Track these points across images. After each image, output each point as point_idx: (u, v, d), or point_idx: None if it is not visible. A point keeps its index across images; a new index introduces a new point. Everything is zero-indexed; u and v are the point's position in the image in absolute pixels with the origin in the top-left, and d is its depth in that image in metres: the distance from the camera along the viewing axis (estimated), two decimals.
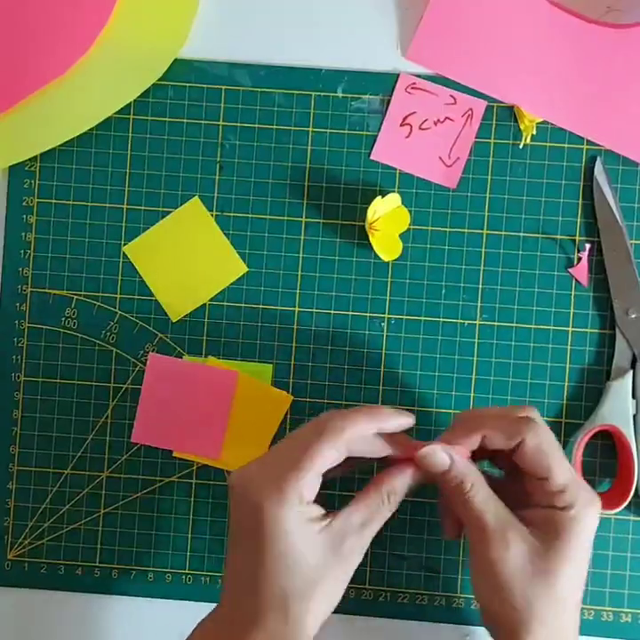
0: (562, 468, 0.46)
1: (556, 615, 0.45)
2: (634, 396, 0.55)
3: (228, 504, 0.47)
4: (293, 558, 0.44)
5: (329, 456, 0.45)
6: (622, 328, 0.55)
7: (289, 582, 0.44)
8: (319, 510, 0.46)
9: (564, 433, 0.56)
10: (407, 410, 0.56)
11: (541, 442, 0.46)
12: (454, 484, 0.47)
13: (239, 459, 0.56)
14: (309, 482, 0.45)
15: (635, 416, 0.55)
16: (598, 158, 0.56)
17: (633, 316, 0.55)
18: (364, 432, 0.47)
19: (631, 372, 0.55)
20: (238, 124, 0.58)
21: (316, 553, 0.44)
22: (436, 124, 0.57)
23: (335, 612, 0.56)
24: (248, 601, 0.45)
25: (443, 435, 0.49)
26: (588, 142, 0.57)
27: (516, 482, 0.48)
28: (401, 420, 0.48)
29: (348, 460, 0.47)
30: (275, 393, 0.57)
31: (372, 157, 0.57)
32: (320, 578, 0.44)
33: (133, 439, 0.57)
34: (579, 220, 0.57)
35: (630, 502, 0.54)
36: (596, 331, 0.56)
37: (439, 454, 0.46)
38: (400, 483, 0.48)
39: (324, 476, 0.46)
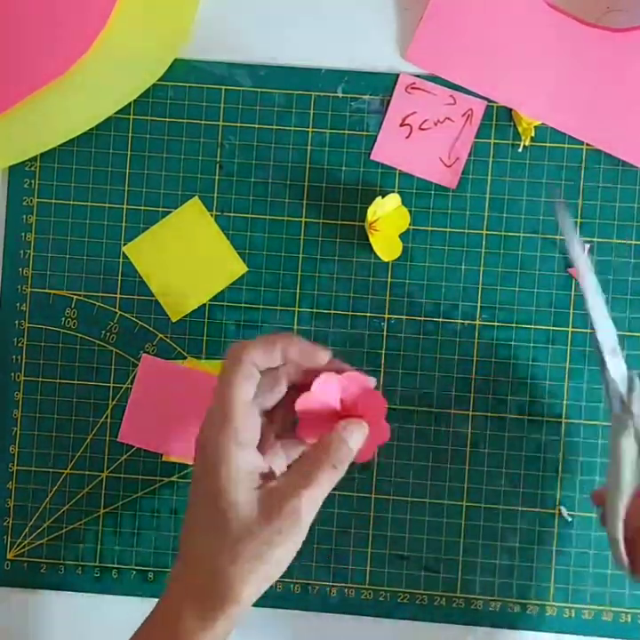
0: None
1: None
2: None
3: None
4: (227, 509, 0.42)
5: (244, 380, 0.44)
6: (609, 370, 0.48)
7: (219, 537, 0.42)
8: (260, 461, 0.44)
9: (565, 433, 0.56)
10: (405, 410, 0.57)
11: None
12: None
13: None
14: (242, 419, 0.43)
15: None
16: (558, 203, 0.50)
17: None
18: (265, 358, 0.45)
19: (630, 421, 0.47)
20: (238, 125, 0.58)
21: (249, 508, 0.42)
22: (435, 124, 0.57)
23: (335, 611, 0.56)
24: (187, 557, 0.44)
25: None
26: (588, 143, 0.57)
27: None
28: (306, 348, 0.46)
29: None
30: None
31: (372, 158, 0.57)
32: (248, 536, 0.42)
33: (120, 438, 0.57)
34: (578, 220, 0.57)
35: None
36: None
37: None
38: (345, 436, 0.45)
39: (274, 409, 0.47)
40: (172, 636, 0.43)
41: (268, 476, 0.44)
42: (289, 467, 0.47)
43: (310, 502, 0.43)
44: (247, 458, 0.43)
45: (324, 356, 0.46)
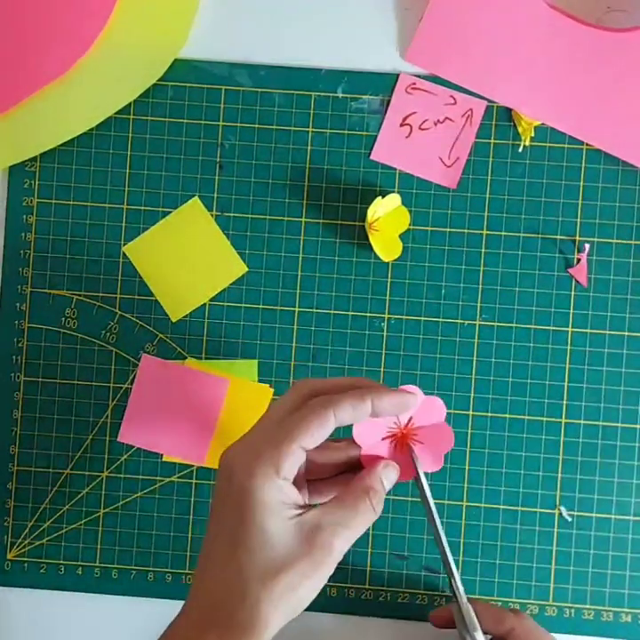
0: None
1: None
2: None
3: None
4: (260, 537, 0.41)
5: (312, 431, 0.42)
6: None
7: (251, 563, 0.41)
8: (296, 494, 0.43)
9: (565, 433, 0.56)
10: None
11: (531, 628, 0.48)
12: None
13: None
14: (288, 457, 0.42)
15: None
16: None
17: None
18: (350, 420, 0.44)
19: None
20: (238, 125, 0.58)
21: (285, 538, 0.41)
22: (435, 124, 0.57)
23: (335, 611, 0.56)
24: (211, 580, 0.42)
25: None
26: (588, 143, 0.57)
27: None
28: (397, 400, 0.44)
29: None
30: (257, 388, 0.57)
31: (372, 157, 0.57)
32: (284, 566, 0.41)
33: (120, 439, 0.57)
34: (578, 220, 0.57)
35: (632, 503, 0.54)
36: (596, 331, 0.57)
37: None
38: (384, 481, 0.45)
39: (314, 460, 0.46)
40: None
41: (303, 508, 0.43)
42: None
43: (346, 542, 0.43)
44: (284, 488, 0.42)
45: (413, 401, 0.45)
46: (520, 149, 0.57)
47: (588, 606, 0.56)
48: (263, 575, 0.41)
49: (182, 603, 0.57)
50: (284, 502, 0.42)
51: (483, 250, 0.57)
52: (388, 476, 0.45)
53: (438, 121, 0.57)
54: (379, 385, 0.46)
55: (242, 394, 0.57)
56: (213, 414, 0.57)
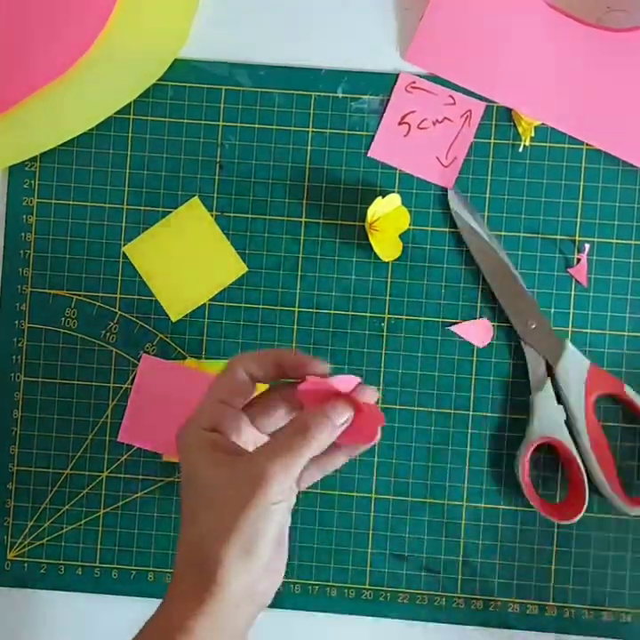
0: None
1: None
2: (559, 402, 0.55)
3: None
4: (199, 488, 0.42)
5: (223, 384, 0.45)
6: (528, 340, 0.56)
7: (198, 510, 0.41)
8: (228, 441, 0.44)
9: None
10: (406, 410, 0.57)
11: None
12: None
13: None
14: (208, 409, 0.44)
15: (566, 421, 0.55)
16: (450, 190, 0.56)
17: (533, 326, 0.55)
18: (254, 359, 0.46)
19: (549, 379, 0.55)
20: (238, 125, 0.58)
21: (219, 480, 0.41)
22: (434, 123, 0.57)
23: (335, 611, 0.56)
24: (181, 544, 0.43)
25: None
26: (588, 143, 0.57)
27: None
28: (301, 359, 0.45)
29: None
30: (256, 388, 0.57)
31: (369, 154, 0.57)
32: (222, 501, 0.41)
33: (120, 438, 0.57)
34: (578, 220, 0.57)
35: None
36: (596, 331, 0.57)
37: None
38: (329, 411, 0.44)
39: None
40: (166, 619, 0.42)
41: (237, 452, 0.43)
42: None
43: (280, 466, 0.41)
44: (210, 437, 0.43)
45: (322, 367, 0.45)
46: (520, 149, 0.57)
47: (588, 606, 0.56)
48: (205, 519, 0.41)
49: None
50: (213, 450, 0.43)
51: None
52: (336, 413, 0.43)
53: (437, 120, 0.57)
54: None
55: None
56: None
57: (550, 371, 0.55)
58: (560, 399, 0.55)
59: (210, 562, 0.40)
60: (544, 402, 0.55)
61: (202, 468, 0.42)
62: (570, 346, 0.55)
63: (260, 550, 0.40)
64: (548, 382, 0.55)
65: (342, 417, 0.44)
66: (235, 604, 0.41)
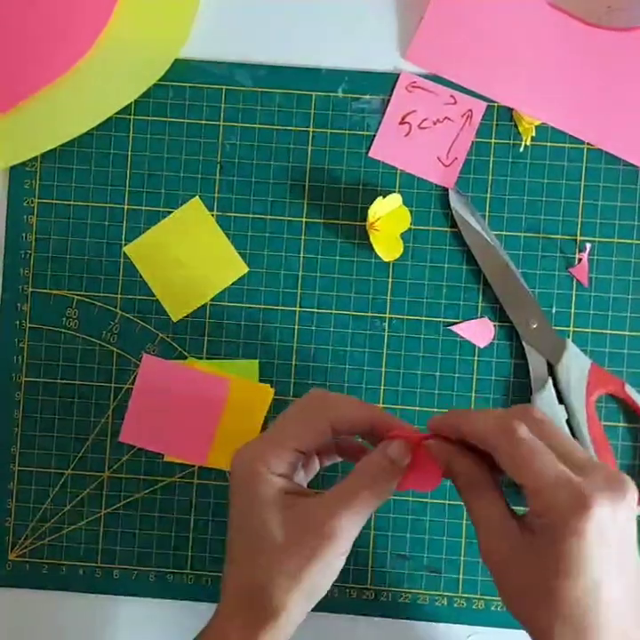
0: (536, 473, 0.40)
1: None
2: (560, 402, 0.55)
3: None
4: (260, 530, 0.42)
5: (303, 436, 0.44)
6: (529, 340, 0.56)
7: (259, 556, 0.42)
8: (292, 484, 0.44)
9: None
10: (407, 410, 0.57)
11: (514, 451, 0.41)
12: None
13: (228, 456, 0.56)
14: (280, 453, 0.44)
15: (567, 420, 0.55)
16: (450, 190, 0.56)
17: (534, 325, 0.56)
18: (348, 418, 0.45)
19: (550, 379, 0.55)
20: (239, 125, 0.58)
21: (282, 527, 0.42)
22: (435, 123, 0.57)
23: (337, 611, 0.56)
24: (232, 578, 0.44)
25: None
26: (589, 142, 0.57)
27: None
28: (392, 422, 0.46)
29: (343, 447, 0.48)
30: (258, 388, 0.57)
31: (370, 155, 0.57)
32: (284, 553, 0.42)
33: (121, 439, 0.57)
34: (579, 219, 0.57)
35: None
36: (597, 331, 0.57)
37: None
38: (390, 455, 0.44)
39: (320, 460, 0.48)
40: None
41: (301, 495, 0.44)
42: None
43: (347, 520, 0.42)
44: (278, 483, 0.43)
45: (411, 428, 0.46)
46: (521, 149, 0.57)
47: None
48: (267, 566, 0.42)
49: (184, 602, 0.57)
50: (279, 492, 0.43)
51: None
52: (392, 449, 0.44)
53: (438, 120, 0.57)
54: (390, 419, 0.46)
55: (243, 394, 0.57)
56: (215, 414, 0.57)
57: (551, 370, 0.55)
58: (561, 399, 0.55)
59: (271, 606, 0.42)
60: (545, 401, 0.55)
61: (266, 513, 0.43)
62: (571, 345, 0.55)
63: (320, 595, 0.43)
64: (550, 382, 0.55)
65: (404, 458, 0.44)
66: (290, 631, 0.43)
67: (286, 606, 0.42)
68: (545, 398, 0.55)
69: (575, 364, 0.55)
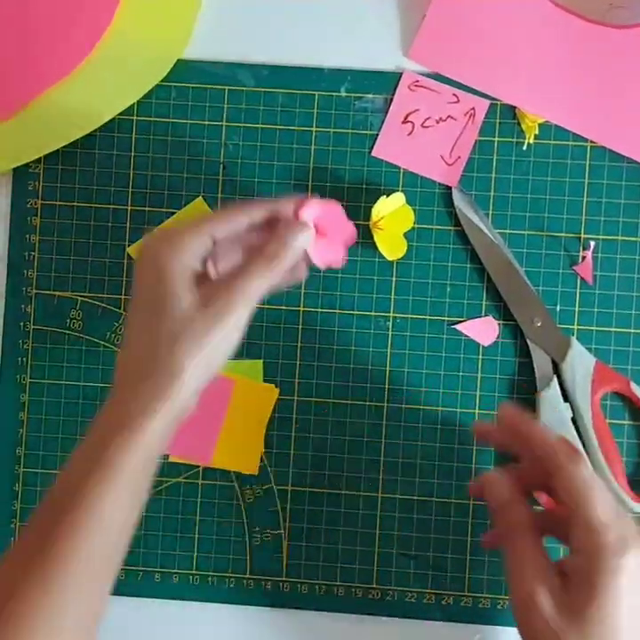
0: (599, 504, 0.42)
1: None
2: (565, 400, 0.55)
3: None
4: (169, 301, 0.45)
5: (220, 224, 0.47)
6: (533, 338, 0.56)
7: (163, 323, 0.44)
8: (199, 264, 0.46)
9: None
10: (412, 409, 0.57)
11: (578, 476, 0.43)
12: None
13: (232, 457, 0.57)
14: (194, 237, 0.46)
15: (573, 419, 0.55)
16: (454, 189, 0.56)
17: (538, 323, 0.55)
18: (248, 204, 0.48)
19: (555, 377, 0.55)
20: (241, 125, 0.58)
21: (191, 299, 0.45)
22: (438, 122, 0.57)
23: (342, 611, 0.56)
24: (131, 346, 0.46)
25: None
26: (592, 140, 0.57)
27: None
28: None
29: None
30: (262, 388, 0.57)
31: (373, 154, 0.57)
32: (191, 319, 0.44)
33: None
34: (583, 217, 0.57)
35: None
36: (602, 328, 0.56)
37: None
38: (287, 238, 0.48)
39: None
40: (117, 422, 0.43)
41: (207, 276, 0.47)
42: None
43: (243, 291, 0.45)
44: (186, 261, 0.46)
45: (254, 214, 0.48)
46: (524, 147, 0.57)
47: None
48: (171, 332, 0.44)
49: (189, 603, 0.57)
50: (189, 272, 0.46)
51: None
52: (291, 230, 0.48)
53: (440, 119, 0.57)
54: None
55: (247, 394, 0.57)
56: (219, 414, 0.57)
57: (556, 368, 0.55)
58: (566, 397, 0.55)
59: (171, 367, 0.43)
60: (550, 400, 0.55)
61: (177, 287, 0.45)
62: (575, 343, 0.55)
63: (220, 365, 0.46)
64: (555, 380, 0.55)
65: (301, 240, 0.48)
66: (186, 404, 0.45)
67: (186, 371, 0.43)
68: (550, 396, 0.55)
69: (580, 362, 0.55)
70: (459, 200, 0.56)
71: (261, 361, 0.57)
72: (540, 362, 0.55)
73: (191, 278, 0.46)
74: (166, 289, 0.45)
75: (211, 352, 0.44)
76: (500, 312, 0.57)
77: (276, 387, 0.57)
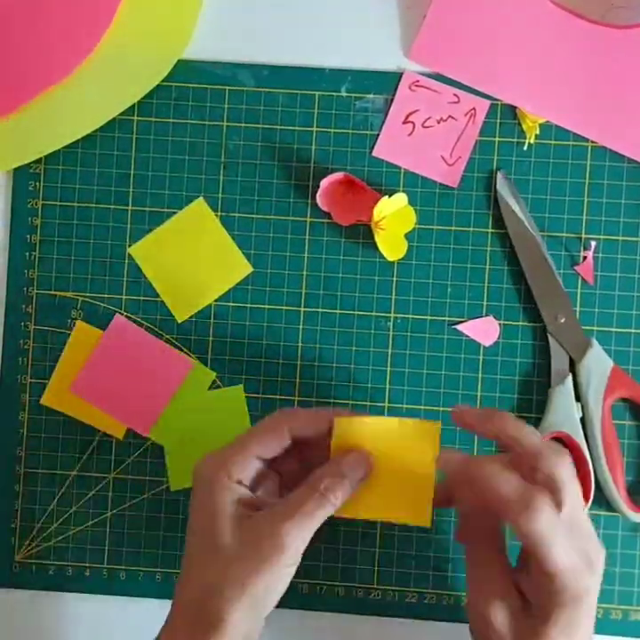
0: (556, 555, 0.41)
1: None
2: (577, 399, 0.55)
3: None
4: (215, 539, 0.43)
5: (264, 441, 0.46)
6: (554, 334, 0.56)
7: (211, 565, 0.43)
8: (250, 495, 0.45)
9: None
10: (413, 409, 0.57)
11: (538, 527, 0.41)
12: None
13: (168, 435, 0.57)
14: (241, 461, 0.45)
15: (581, 419, 0.55)
16: (499, 172, 0.56)
17: (562, 320, 0.55)
18: (305, 429, 0.47)
19: (570, 375, 0.55)
20: (242, 125, 0.58)
21: (237, 538, 0.43)
22: (438, 122, 0.57)
23: (343, 611, 0.56)
24: (187, 583, 0.45)
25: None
26: (593, 140, 0.57)
27: None
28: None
29: (302, 451, 0.48)
30: (228, 391, 0.57)
31: (374, 154, 0.57)
32: (236, 563, 0.43)
33: (71, 388, 0.56)
34: (584, 217, 0.57)
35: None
36: (603, 328, 0.56)
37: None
38: (345, 469, 0.45)
39: (277, 467, 0.47)
40: None
41: (257, 506, 0.45)
42: None
43: (296, 530, 0.43)
44: (237, 491, 0.44)
45: (327, 418, 0.47)
46: (525, 147, 0.57)
47: (601, 606, 0.56)
48: (218, 573, 0.43)
49: None
50: (237, 502, 0.44)
51: (488, 248, 0.57)
52: (349, 462, 0.45)
53: (441, 119, 0.57)
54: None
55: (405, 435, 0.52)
56: (169, 390, 0.57)
57: (572, 367, 0.55)
58: (578, 396, 0.55)
59: (216, 616, 0.42)
60: (562, 397, 0.55)
61: (221, 521, 0.44)
62: (596, 345, 0.55)
63: (268, 608, 0.44)
64: (569, 378, 0.55)
65: (356, 472, 0.45)
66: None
67: (230, 616, 0.42)
68: (563, 393, 0.55)
69: (597, 364, 0.55)
70: (502, 185, 0.56)
71: (242, 386, 0.57)
72: (558, 358, 0.55)
73: (238, 509, 0.44)
74: (210, 523, 0.44)
75: (256, 596, 0.42)
76: (501, 311, 0.57)
77: (277, 387, 0.57)
